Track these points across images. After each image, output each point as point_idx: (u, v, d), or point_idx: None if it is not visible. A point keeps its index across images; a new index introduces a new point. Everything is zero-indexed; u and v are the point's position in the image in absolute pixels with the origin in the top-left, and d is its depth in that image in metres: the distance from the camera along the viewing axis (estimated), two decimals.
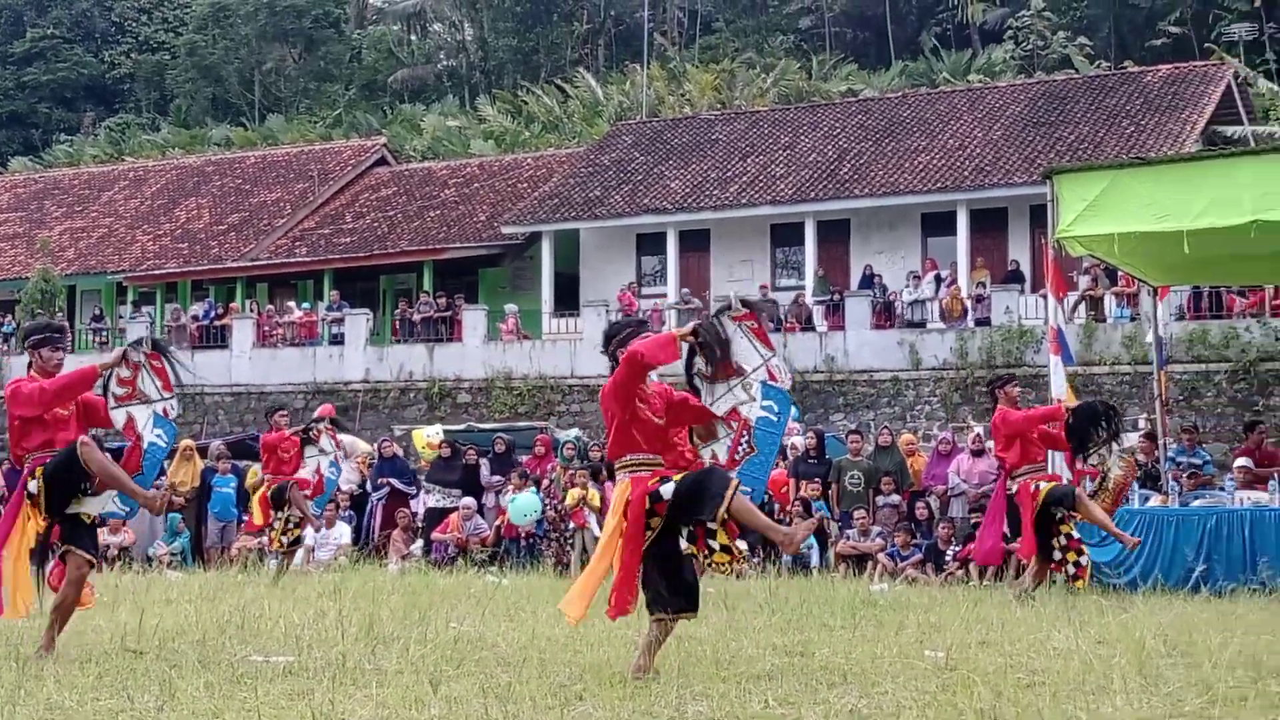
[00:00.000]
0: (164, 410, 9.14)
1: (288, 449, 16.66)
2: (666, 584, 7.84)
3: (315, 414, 17.99)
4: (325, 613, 10.85)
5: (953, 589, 15.30)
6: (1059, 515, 13.45)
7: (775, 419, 8.52)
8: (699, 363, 8.14)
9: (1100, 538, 14.49)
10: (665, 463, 8.00)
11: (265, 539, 17.62)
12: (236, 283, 40.50)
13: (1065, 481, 13.88)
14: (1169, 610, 11.39)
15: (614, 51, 69.98)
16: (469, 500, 20.61)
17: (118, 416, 9.06)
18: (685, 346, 8.12)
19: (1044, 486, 13.44)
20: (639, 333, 8.16)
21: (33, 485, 8.74)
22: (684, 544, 7.95)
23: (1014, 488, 13.63)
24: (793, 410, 14.38)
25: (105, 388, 9.07)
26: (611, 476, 16.47)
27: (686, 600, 7.93)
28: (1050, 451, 14.07)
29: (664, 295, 34.58)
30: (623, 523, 7.82)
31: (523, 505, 19.65)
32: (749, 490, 8.51)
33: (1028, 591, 13.21)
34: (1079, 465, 14.34)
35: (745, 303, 8.46)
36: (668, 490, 7.77)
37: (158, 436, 9.14)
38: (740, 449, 8.54)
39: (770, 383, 8.37)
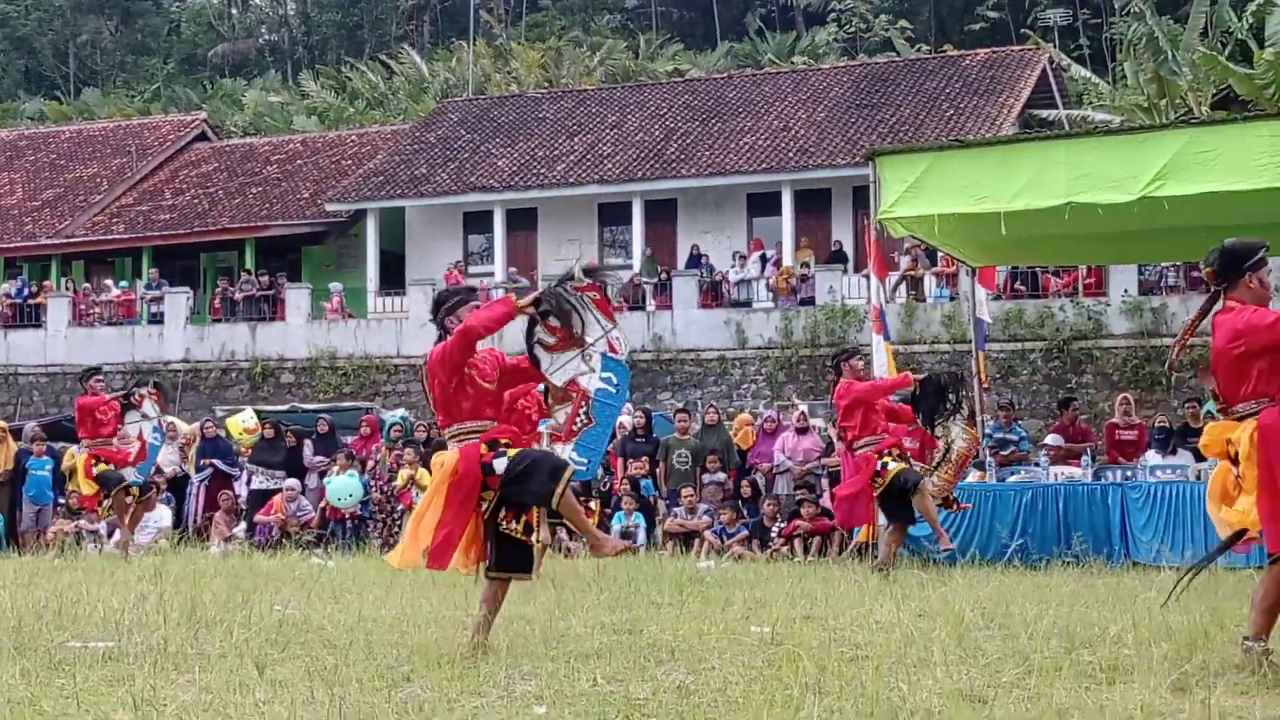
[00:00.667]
0: None
1: (105, 413, 16.18)
2: (501, 548, 7.88)
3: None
4: (146, 597, 10.63)
5: (778, 565, 15.46)
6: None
7: (614, 391, 8.56)
8: (539, 332, 8.10)
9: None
10: (498, 428, 8.01)
11: (92, 517, 17.18)
12: (51, 260, 39.51)
13: (915, 467, 13.92)
14: (986, 584, 11.63)
15: (440, 28, 69.51)
16: (292, 482, 20.34)
17: None
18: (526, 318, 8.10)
19: (893, 467, 13.50)
20: (468, 300, 8.11)
21: None
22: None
23: (856, 458, 13.72)
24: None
25: None
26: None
27: (524, 561, 7.98)
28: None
29: (491, 274, 34.48)
30: (444, 487, 7.80)
31: (341, 487, 19.48)
32: (585, 462, 8.54)
33: (889, 564, 13.31)
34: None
35: (588, 272, 8.44)
36: (500, 465, 7.79)
37: None
38: (578, 420, 8.56)
39: (610, 354, 8.38)
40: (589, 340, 8.18)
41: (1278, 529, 6.74)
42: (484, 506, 7.86)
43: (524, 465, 7.81)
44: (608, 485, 19.43)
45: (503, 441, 7.92)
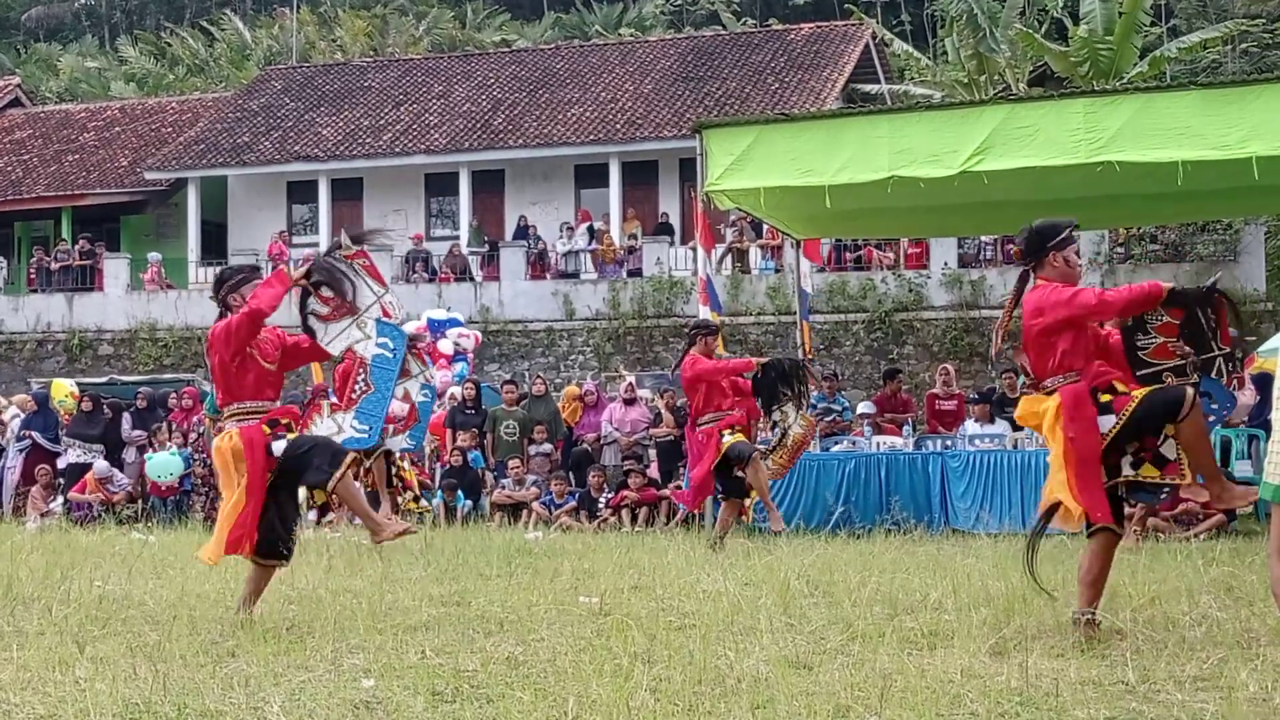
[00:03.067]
0: None
1: None
2: (272, 531, 7.98)
3: None
4: None
5: (606, 536, 15.54)
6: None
7: (391, 355, 8.57)
8: (313, 303, 8.13)
9: None
10: (279, 409, 8.14)
11: None
12: None
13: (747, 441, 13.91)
14: (811, 552, 11.80)
15: None
16: (102, 465, 19.89)
17: None
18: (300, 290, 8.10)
19: (728, 439, 13.49)
20: (251, 279, 8.18)
21: None
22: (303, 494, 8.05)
23: (698, 433, 13.73)
24: (462, 367, 14.38)
25: None
26: None
27: (286, 548, 8.12)
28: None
29: (316, 244, 34.01)
30: (238, 470, 7.88)
31: (161, 464, 19.15)
32: (367, 429, 8.57)
33: (720, 539, 13.31)
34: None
35: (356, 240, 8.48)
36: (279, 448, 7.92)
37: None
38: (357, 387, 8.58)
39: (384, 319, 8.40)
40: (362, 307, 8.25)
41: (1090, 500, 6.93)
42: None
43: (304, 449, 7.93)
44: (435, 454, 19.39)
45: (283, 422, 8.00)
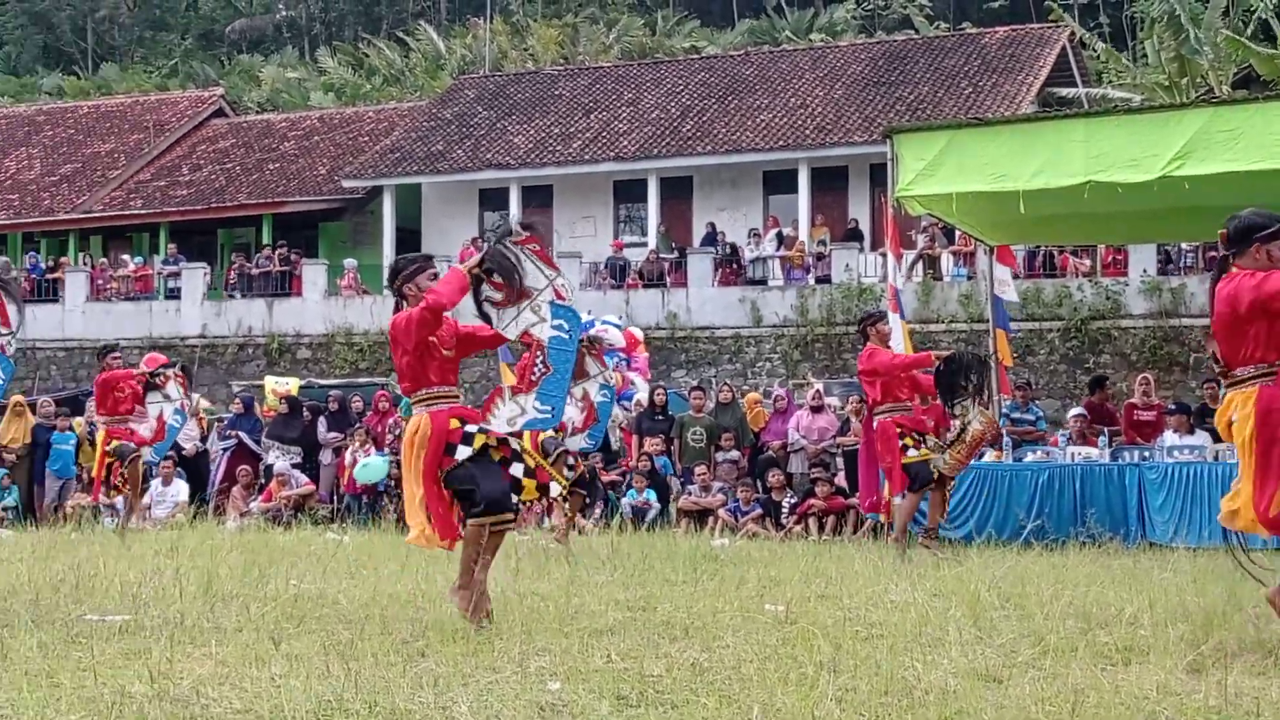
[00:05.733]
0: (2, 346, 8.90)
1: (124, 389, 16.09)
2: (480, 488, 7.98)
3: (144, 361, 17.32)
4: (162, 571, 10.67)
5: (792, 544, 15.46)
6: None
7: (567, 336, 8.63)
8: (488, 290, 8.23)
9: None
10: (463, 407, 8.24)
11: (101, 494, 17.17)
12: (69, 236, 39.60)
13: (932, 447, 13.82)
14: (1002, 563, 11.60)
15: (456, 5, 69.45)
16: (282, 465, 20.39)
17: None
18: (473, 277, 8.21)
19: (914, 455, 13.33)
20: (425, 269, 8.29)
21: None
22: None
23: (875, 425, 13.68)
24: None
25: None
26: None
27: (503, 500, 8.04)
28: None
29: None
30: (420, 462, 7.99)
31: (374, 469, 19.42)
32: (549, 409, 8.64)
33: (904, 543, 13.23)
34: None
35: (525, 225, 8.57)
36: (463, 454, 7.99)
37: None
38: (536, 369, 8.65)
39: (558, 301, 8.47)
40: (535, 291, 8.35)
41: None
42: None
43: (471, 482, 7.97)
44: (622, 462, 19.48)
45: (469, 424, 8.06)
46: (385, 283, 8.34)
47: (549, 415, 8.77)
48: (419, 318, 7.91)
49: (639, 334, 16.17)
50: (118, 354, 16.73)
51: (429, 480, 7.99)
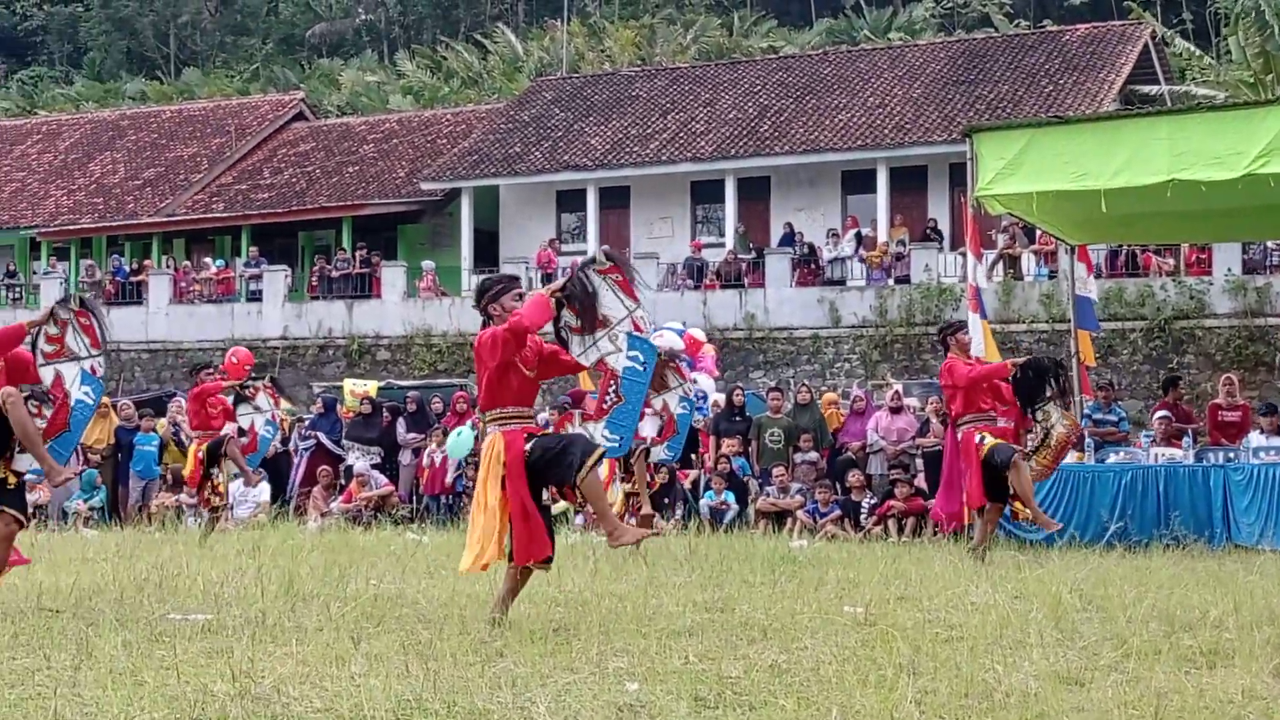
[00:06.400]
0: (91, 368, 9.05)
1: (216, 404, 16.16)
2: (570, 448, 8.04)
3: (229, 355, 17.43)
4: (244, 570, 10.77)
5: (871, 545, 15.40)
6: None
7: (641, 369, 8.68)
8: (567, 316, 8.29)
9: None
10: (535, 426, 8.31)
11: (195, 497, 17.29)
12: (152, 238, 40.05)
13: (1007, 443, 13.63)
14: (1084, 565, 11.51)
15: (534, 7, 69.66)
16: (361, 465, 20.53)
17: (46, 374, 8.95)
18: (554, 301, 8.24)
19: (990, 441, 13.26)
20: (510, 288, 8.33)
21: None
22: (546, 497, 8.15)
23: (960, 436, 13.53)
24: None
25: (33, 345, 8.95)
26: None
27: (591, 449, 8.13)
28: None
29: (584, 252, 34.46)
30: (496, 476, 8.03)
31: (464, 442, 19.27)
32: (618, 439, 8.69)
33: (984, 548, 13.09)
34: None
35: (610, 256, 8.62)
36: (528, 447, 8.03)
37: (85, 394, 9.02)
38: (608, 398, 8.71)
39: (636, 333, 8.53)
40: (614, 321, 8.39)
41: None
42: None
43: (559, 446, 8.03)
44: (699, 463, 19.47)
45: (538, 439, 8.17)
46: (473, 302, 8.40)
47: (617, 444, 8.85)
48: (502, 338, 7.96)
49: (700, 335, 16.13)
50: (210, 369, 16.80)
51: (518, 498, 7.97)
